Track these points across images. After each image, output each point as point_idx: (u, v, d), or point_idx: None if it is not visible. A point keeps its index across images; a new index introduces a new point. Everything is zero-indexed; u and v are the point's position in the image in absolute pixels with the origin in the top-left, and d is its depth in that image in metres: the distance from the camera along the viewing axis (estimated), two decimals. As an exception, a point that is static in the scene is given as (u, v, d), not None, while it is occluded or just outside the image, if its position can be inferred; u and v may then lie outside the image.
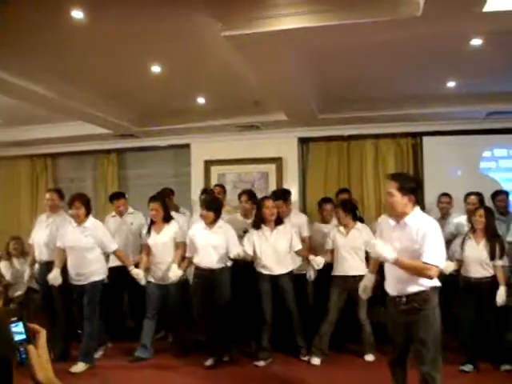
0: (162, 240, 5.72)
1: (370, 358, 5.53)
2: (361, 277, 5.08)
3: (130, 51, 4.93)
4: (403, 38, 4.53)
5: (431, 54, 5.10)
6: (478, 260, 4.98)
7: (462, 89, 6.34)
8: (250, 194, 6.33)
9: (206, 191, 6.72)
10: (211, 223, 5.51)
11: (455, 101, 6.67)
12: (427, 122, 7.42)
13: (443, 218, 6.30)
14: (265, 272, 5.54)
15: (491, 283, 4.91)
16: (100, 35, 4.46)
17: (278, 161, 8.10)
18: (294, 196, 7.68)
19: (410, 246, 3.48)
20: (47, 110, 6.64)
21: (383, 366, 4.04)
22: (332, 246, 5.66)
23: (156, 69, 5.46)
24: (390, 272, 3.66)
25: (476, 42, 4.73)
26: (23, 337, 1.43)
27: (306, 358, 5.54)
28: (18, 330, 1.43)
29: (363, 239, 5.49)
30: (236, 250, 5.38)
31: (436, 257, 3.42)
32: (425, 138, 7.63)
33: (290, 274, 5.61)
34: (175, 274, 5.50)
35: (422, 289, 3.50)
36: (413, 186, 3.61)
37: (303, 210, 7.78)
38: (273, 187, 7.87)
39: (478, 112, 6.98)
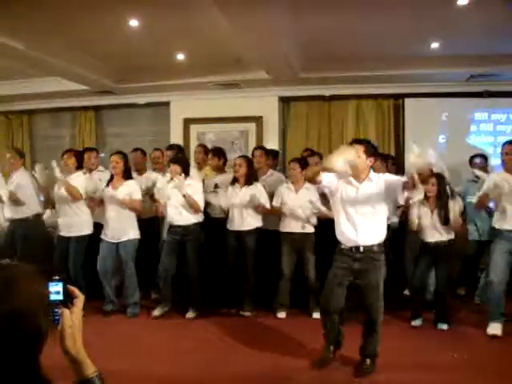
0: (117, 195, 5.63)
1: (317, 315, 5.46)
2: (307, 234, 5.46)
3: (108, 4, 4.77)
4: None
5: (416, 13, 5.02)
6: (432, 226, 5.09)
7: (446, 50, 6.28)
8: (213, 151, 6.46)
9: (171, 147, 6.65)
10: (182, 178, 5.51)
11: (438, 62, 6.62)
12: (409, 83, 7.38)
13: None
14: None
15: (447, 247, 5.08)
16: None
17: (258, 120, 8.03)
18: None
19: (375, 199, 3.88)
20: (23, 65, 6.44)
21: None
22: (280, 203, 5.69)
23: (134, 23, 5.31)
24: (355, 223, 3.89)
25: (462, 1, 4.66)
26: (60, 298, 1.37)
27: (246, 314, 5.66)
28: (56, 289, 1.37)
29: (310, 198, 5.50)
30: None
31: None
32: (407, 100, 7.59)
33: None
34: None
35: (379, 240, 3.92)
36: (374, 151, 4.05)
37: (283, 169, 7.75)
38: (252, 146, 7.80)
39: (461, 74, 6.95)
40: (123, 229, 5.65)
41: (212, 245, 5.91)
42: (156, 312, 5.62)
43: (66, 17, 5.14)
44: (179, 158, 5.76)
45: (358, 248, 3.88)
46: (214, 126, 8.14)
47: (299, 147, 7.76)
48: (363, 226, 3.86)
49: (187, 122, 8.28)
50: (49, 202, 6.28)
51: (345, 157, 3.56)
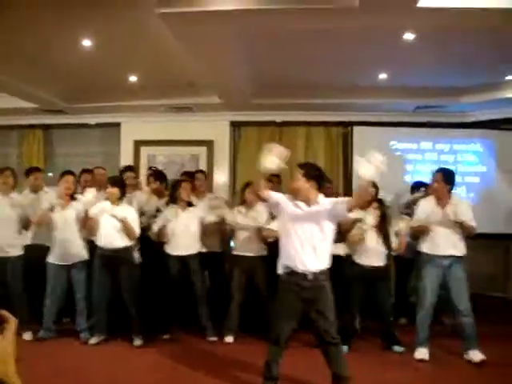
0: (67, 216, 5.52)
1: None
2: (258, 257, 5.51)
3: (61, 23, 4.74)
4: (339, 27, 4.59)
5: (365, 45, 5.19)
6: (374, 249, 5.18)
7: (393, 81, 6.50)
8: (156, 175, 6.41)
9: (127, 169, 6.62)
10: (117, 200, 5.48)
11: (386, 93, 6.85)
12: (358, 112, 7.60)
13: None
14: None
15: (384, 271, 5.23)
16: (28, 5, 4.26)
17: (209, 144, 8.07)
18: (224, 179, 7.73)
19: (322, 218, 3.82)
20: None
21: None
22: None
23: (87, 43, 5.29)
24: (301, 245, 3.83)
25: (409, 36, 4.85)
26: None
27: (213, 339, 5.60)
28: None
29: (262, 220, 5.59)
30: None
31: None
32: (355, 128, 7.76)
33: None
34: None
35: (326, 266, 3.85)
36: (316, 174, 3.93)
37: (232, 193, 7.79)
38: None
39: (407, 105, 7.19)
40: (74, 251, 5.51)
41: (152, 269, 5.80)
42: (93, 340, 5.46)
43: (18, 34, 5.06)
44: (118, 181, 5.68)
45: (305, 275, 3.78)
46: (165, 148, 8.14)
47: (249, 172, 7.81)
48: (312, 250, 3.80)
49: (138, 144, 8.24)
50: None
51: (274, 154, 3.62)
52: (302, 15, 4.08)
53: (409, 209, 5.92)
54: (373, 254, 5.15)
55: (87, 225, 5.52)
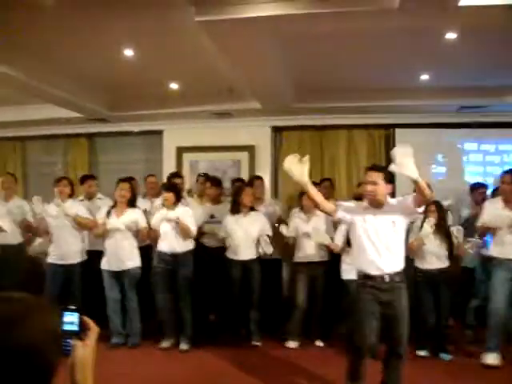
0: (121, 223, 5.59)
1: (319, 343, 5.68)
2: (321, 263, 5.52)
3: (103, 34, 4.84)
4: (379, 29, 4.54)
5: (406, 46, 5.12)
6: (434, 253, 5.12)
7: (436, 82, 6.38)
8: (212, 181, 6.47)
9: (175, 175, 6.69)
10: (172, 205, 5.55)
11: (428, 94, 6.73)
12: (400, 114, 7.46)
13: None
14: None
15: (447, 273, 5.14)
16: (72, 18, 4.36)
17: (250, 149, 8.08)
18: (266, 184, 7.71)
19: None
20: (16, 92, 6.48)
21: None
22: (294, 233, 5.74)
23: (129, 53, 5.37)
24: (375, 249, 3.76)
25: (451, 36, 4.75)
26: (74, 328, 1.34)
27: (257, 343, 5.64)
28: (70, 319, 1.35)
29: (324, 226, 5.63)
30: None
31: None
32: (397, 130, 7.66)
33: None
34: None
35: (401, 267, 3.77)
36: (390, 177, 3.89)
37: (275, 198, 7.78)
38: (245, 175, 7.85)
39: (450, 106, 7.05)
40: (126, 257, 5.59)
41: (207, 274, 5.87)
42: (164, 344, 5.56)
43: (62, 46, 5.19)
44: (172, 186, 5.78)
45: (383, 277, 3.73)
46: (207, 154, 8.17)
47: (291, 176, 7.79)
48: (387, 253, 3.74)
49: (180, 151, 8.31)
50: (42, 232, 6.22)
51: (300, 166, 3.73)
52: (340, 18, 4.05)
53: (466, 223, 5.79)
54: (434, 257, 5.10)
55: (151, 237, 5.66)
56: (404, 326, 3.75)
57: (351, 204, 4.00)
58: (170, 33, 4.75)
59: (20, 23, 4.46)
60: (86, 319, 1.37)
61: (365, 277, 3.81)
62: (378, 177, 3.76)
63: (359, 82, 6.54)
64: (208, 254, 5.97)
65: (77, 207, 5.82)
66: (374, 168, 3.92)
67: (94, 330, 1.37)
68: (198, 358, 5.28)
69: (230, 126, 8.02)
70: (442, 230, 5.09)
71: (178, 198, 5.61)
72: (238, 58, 5.14)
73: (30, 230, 6.22)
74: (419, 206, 3.76)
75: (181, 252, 5.55)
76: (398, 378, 3.82)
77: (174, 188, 5.69)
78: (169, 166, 8.14)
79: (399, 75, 6.19)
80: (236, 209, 5.76)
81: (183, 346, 5.51)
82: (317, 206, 3.90)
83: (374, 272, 3.75)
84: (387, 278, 3.72)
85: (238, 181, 6.86)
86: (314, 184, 6.10)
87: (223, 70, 5.70)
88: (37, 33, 4.75)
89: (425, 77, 6.24)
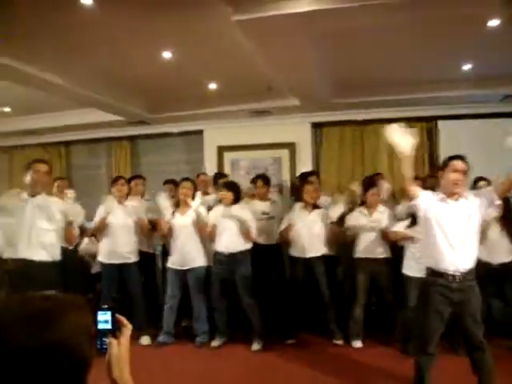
0: (187, 222, 5.68)
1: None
2: (383, 260, 5.40)
3: (141, 37, 4.89)
4: (418, 19, 4.46)
5: (447, 36, 5.00)
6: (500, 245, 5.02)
7: (478, 71, 6.23)
8: (263, 179, 6.51)
9: (220, 175, 6.74)
10: (230, 204, 5.59)
11: (471, 84, 6.57)
12: (442, 105, 7.32)
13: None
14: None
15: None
16: (110, 21, 4.42)
17: (291, 146, 8.06)
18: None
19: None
20: (59, 98, 6.61)
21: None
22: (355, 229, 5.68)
23: (167, 55, 5.41)
24: (449, 244, 3.66)
25: (493, 23, 4.63)
26: (109, 326, 1.39)
27: (339, 342, 5.61)
28: (105, 318, 1.40)
29: (386, 221, 5.52)
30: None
31: None
32: (440, 122, 7.52)
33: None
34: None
35: (473, 265, 3.66)
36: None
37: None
38: (286, 173, 7.85)
39: (494, 95, 6.88)
40: (192, 256, 5.67)
41: (264, 272, 5.90)
42: (214, 343, 5.62)
43: (102, 51, 5.27)
44: (233, 184, 5.80)
45: (454, 276, 3.60)
46: (248, 153, 8.19)
47: (333, 172, 7.76)
48: (462, 248, 3.62)
49: (221, 150, 8.35)
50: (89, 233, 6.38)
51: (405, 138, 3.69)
52: (377, 10, 3.99)
53: None
54: (497, 249, 4.97)
55: (209, 235, 5.68)
56: (478, 322, 3.64)
57: (429, 193, 3.87)
58: (208, 33, 4.76)
59: (61, 28, 4.53)
60: (120, 317, 1.41)
61: (434, 274, 3.68)
62: (458, 167, 3.70)
63: (399, 75, 6.44)
64: (261, 252, 5.94)
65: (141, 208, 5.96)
66: (463, 158, 3.81)
67: (127, 327, 1.42)
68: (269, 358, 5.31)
69: (270, 123, 8.01)
70: (507, 220, 4.99)
71: (237, 199, 5.65)
72: (275, 56, 5.12)
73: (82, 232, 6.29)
74: (500, 199, 3.70)
75: (239, 251, 5.56)
76: (488, 371, 3.65)
77: (233, 187, 5.72)
78: (211, 166, 8.22)
79: (440, 66, 6.07)
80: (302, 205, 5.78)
81: (255, 346, 5.52)
82: (407, 182, 3.88)
83: (445, 267, 3.62)
84: (459, 277, 3.59)
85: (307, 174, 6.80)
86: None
87: (261, 69, 5.69)
88: (77, 38, 4.82)
89: (467, 66, 6.10)
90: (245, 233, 5.53)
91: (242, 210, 5.60)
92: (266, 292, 5.92)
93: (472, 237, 3.66)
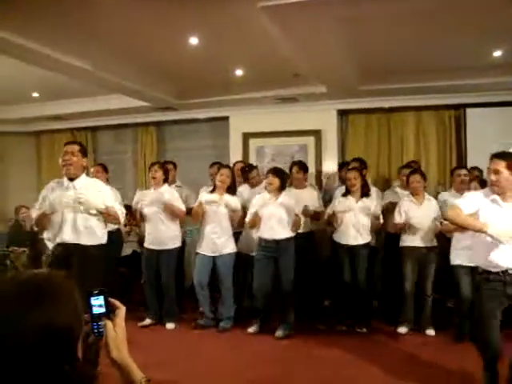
0: (219, 209, 5.75)
1: (430, 332, 5.54)
2: (430, 248, 5.44)
3: (168, 23, 4.90)
4: (447, 5, 4.39)
5: (476, 22, 4.92)
6: None
7: (509, 58, 6.11)
8: (300, 165, 6.50)
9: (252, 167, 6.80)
10: (276, 191, 5.60)
11: (501, 71, 6.44)
12: (471, 93, 7.18)
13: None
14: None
15: None
16: (138, 8, 4.44)
17: (317, 133, 8.01)
18: (333, 168, 7.65)
19: None
20: (86, 83, 6.67)
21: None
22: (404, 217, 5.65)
23: (194, 41, 5.42)
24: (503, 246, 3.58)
25: (525, 9, 4.53)
26: (103, 310, 1.43)
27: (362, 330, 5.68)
28: (98, 302, 1.43)
29: (435, 210, 5.54)
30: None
31: None
32: (468, 110, 7.41)
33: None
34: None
35: None
36: None
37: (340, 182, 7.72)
38: (312, 160, 7.82)
39: (525, 82, 6.74)
40: (221, 242, 5.75)
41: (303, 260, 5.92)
42: (251, 329, 5.69)
43: (129, 37, 5.30)
44: (280, 171, 5.77)
45: (505, 272, 3.54)
46: (273, 140, 8.17)
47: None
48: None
49: (246, 137, 8.33)
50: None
51: None
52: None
53: None
54: None
55: (251, 222, 5.70)
56: None
57: (473, 195, 3.86)
58: (234, 19, 4.75)
59: (88, 15, 4.57)
60: (112, 300, 1.46)
61: (488, 271, 3.63)
62: (498, 165, 3.55)
63: (426, 62, 6.34)
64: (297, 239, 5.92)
65: (172, 193, 5.97)
66: (496, 155, 3.65)
67: (121, 309, 1.46)
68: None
69: (296, 110, 7.97)
70: None
71: (283, 185, 5.65)
72: (302, 42, 5.09)
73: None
74: None
75: (283, 238, 5.57)
76: None
77: (281, 173, 5.71)
78: (236, 152, 8.23)
79: (470, 52, 5.96)
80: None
81: (279, 333, 5.54)
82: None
83: (497, 265, 3.57)
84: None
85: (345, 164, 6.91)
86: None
87: (287, 55, 5.66)
88: (105, 24, 4.87)
89: (497, 53, 5.98)
90: (294, 221, 5.57)
91: (289, 199, 5.60)
92: (304, 279, 5.96)
93: None
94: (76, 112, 8.50)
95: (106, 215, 4.57)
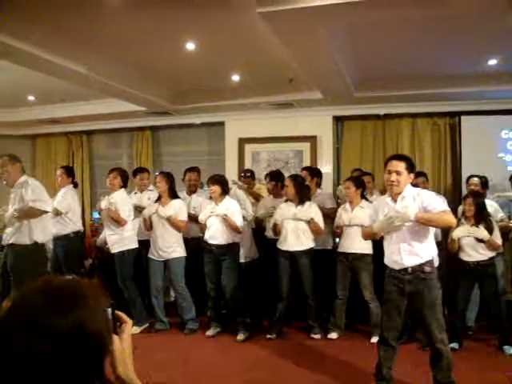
0: (163, 213, 5.79)
1: (375, 339, 5.16)
2: (363, 255, 5.38)
3: (165, 28, 4.91)
4: (442, 13, 4.40)
5: (472, 30, 4.94)
6: (471, 244, 5.01)
7: (505, 67, 6.14)
8: (271, 175, 6.53)
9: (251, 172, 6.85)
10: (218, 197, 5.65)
11: (496, 79, 6.47)
12: (466, 101, 7.20)
13: None
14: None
15: (488, 266, 5.00)
16: (134, 13, 4.44)
17: (312, 139, 8.02)
18: (329, 174, 7.66)
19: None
20: (82, 88, 6.66)
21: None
22: (339, 223, 5.68)
23: (190, 46, 5.42)
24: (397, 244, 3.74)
25: (520, 18, 4.55)
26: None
27: (317, 336, 5.64)
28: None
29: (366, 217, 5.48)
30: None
31: (443, 204, 3.80)
32: (463, 118, 7.43)
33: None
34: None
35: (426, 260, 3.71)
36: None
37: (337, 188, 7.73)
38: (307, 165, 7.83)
39: (519, 91, 6.78)
40: (170, 247, 5.78)
41: (268, 266, 5.97)
42: (209, 332, 5.70)
43: (125, 42, 5.31)
44: (218, 178, 5.79)
45: (405, 269, 3.70)
46: (269, 145, 8.18)
47: (354, 166, 7.72)
48: (407, 246, 3.69)
49: (242, 142, 8.34)
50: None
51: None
52: (401, 4, 3.97)
53: None
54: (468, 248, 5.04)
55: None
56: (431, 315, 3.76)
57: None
58: (231, 25, 4.77)
59: (85, 20, 4.58)
60: (120, 313, 1.40)
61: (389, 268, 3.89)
62: (400, 166, 3.71)
63: (422, 69, 6.37)
64: (269, 245, 6.01)
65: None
66: (397, 157, 3.85)
67: (128, 323, 1.40)
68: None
69: (292, 116, 7.98)
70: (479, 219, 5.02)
71: (225, 191, 5.73)
72: (299, 48, 5.11)
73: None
74: None
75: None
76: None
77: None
78: (231, 157, 8.24)
79: (465, 60, 6.00)
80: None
81: (240, 337, 5.58)
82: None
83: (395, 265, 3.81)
84: (410, 270, 3.73)
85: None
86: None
87: (284, 61, 5.68)
88: (101, 29, 4.87)
89: (493, 61, 6.02)
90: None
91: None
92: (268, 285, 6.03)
93: (417, 234, 3.75)
94: (72, 116, 8.48)
95: None
